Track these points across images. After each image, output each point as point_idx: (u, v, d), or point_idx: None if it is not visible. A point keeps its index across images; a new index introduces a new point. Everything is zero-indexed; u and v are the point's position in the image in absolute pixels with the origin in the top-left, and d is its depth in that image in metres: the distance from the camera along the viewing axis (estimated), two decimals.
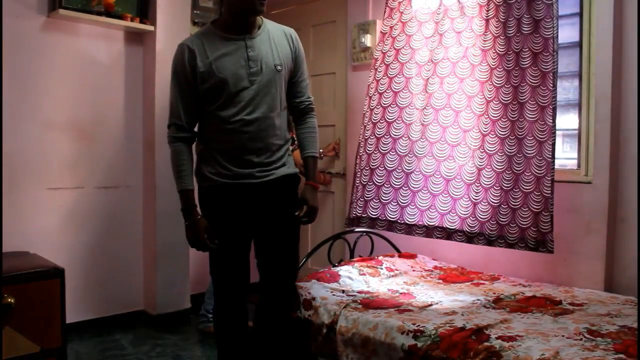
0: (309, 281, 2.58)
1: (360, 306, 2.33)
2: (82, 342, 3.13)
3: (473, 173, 2.81)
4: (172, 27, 3.44)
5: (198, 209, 2.11)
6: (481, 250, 2.96)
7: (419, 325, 2.07)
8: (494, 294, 2.49)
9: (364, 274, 2.77)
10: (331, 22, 3.86)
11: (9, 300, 2.45)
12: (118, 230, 3.46)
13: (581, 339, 1.88)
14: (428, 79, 2.98)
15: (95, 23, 3.23)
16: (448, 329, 2.01)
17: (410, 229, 3.01)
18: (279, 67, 2.09)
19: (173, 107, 2.10)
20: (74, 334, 3.13)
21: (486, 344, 1.88)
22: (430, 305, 2.35)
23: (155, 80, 3.39)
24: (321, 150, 3.52)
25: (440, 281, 2.78)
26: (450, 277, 2.84)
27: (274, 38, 2.13)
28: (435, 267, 3.02)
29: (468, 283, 2.72)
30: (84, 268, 3.28)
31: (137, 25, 3.33)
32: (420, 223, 2.97)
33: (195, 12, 3.75)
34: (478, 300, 2.39)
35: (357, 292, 2.52)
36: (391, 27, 3.19)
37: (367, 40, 3.47)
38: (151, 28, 3.37)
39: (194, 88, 2.05)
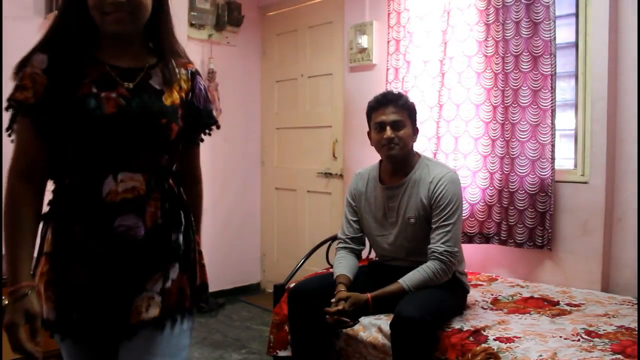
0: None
1: None
2: None
3: (486, 178, 2.85)
4: None
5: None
6: (479, 252, 2.96)
7: None
8: (492, 295, 2.49)
9: None
10: (328, 23, 3.86)
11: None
12: None
13: (579, 340, 1.89)
14: (440, 90, 2.99)
15: None
16: (446, 330, 2.02)
17: None
18: (412, 220, 2.23)
19: None
20: None
21: (484, 345, 1.88)
22: None
23: None
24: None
25: None
26: None
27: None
28: None
29: None
30: None
31: None
32: None
33: (192, 13, 3.74)
34: (476, 301, 2.40)
35: None
36: (398, 42, 3.19)
37: (364, 41, 3.46)
38: None
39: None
